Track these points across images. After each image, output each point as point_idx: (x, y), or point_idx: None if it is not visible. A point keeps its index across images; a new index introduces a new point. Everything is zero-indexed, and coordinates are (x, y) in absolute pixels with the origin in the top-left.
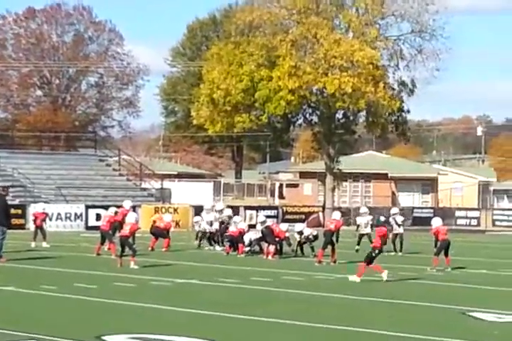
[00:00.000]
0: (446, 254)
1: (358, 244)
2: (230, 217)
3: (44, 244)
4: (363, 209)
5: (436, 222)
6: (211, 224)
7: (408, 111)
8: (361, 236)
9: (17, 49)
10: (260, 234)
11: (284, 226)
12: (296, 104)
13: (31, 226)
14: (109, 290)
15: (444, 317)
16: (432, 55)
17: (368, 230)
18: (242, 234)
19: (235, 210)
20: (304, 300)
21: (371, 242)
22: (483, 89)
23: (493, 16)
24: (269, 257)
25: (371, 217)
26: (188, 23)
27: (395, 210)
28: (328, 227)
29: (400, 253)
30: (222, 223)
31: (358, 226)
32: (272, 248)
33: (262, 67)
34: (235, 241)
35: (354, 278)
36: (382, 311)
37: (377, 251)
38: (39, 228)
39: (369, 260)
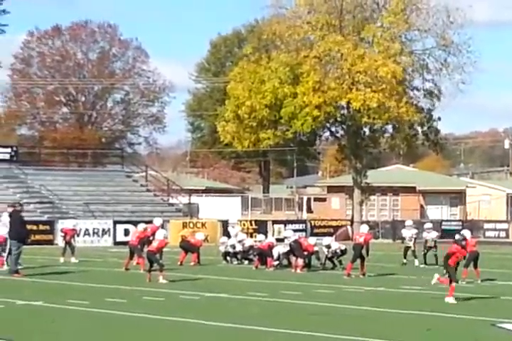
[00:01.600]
0: (475, 266)
1: (405, 257)
2: (251, 247)
3: (73, 260)
4: (409, 222)
5: (466, 235)
6: (234, 247)
7: (439, 119)
8: (406, 249)
9: (42, 66)
10: (288, 248)
11: (312, 240)
12: (322, 119)
13: (59, 241)
14: (139, 305)
15: (473, 329)
16: (457, 68)
17: (412, 243)
18: (271, 247)
19: (263, 225)
20: (334, 312)
21: (415, 257)
22: (509, 101)
23: None
24: (298, 270)
25: (416, 231)
26: (211, 39)
27: (428, 225)
28: (358, 241)
29: (437, 266)
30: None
31: (403, 239)
32: (300, 261)
33: (285, 83)
34: (264, 255)
35: (450, 299)
36: (411, 323)
37: (452, 269)
38: (68, 244)
39: (452, 279)
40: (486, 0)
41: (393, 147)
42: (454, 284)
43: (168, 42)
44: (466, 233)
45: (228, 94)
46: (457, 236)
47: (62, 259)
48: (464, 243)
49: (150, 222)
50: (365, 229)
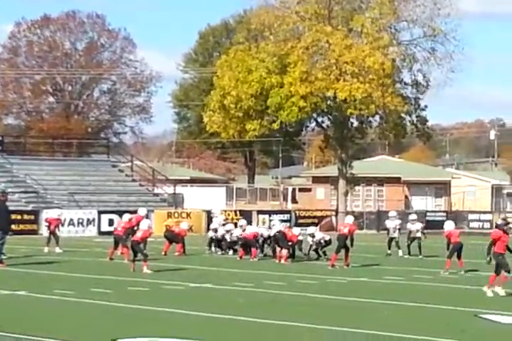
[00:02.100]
0: (459, 257)
1: (389, 248)
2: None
3: (57, 250)
4: (392, 213)
5: (449, 225)
6: (216, 230)
7: (426, 107)
8: (390, 240)
9: (30, 56)
10: (271, 232)
11: (296, 230)
12: (309, 110)
13: (44, 231)
14: (124, 295)
15: (456, 320)
16: (446, 56)
17: (397, 234)
18: (256, 237)
19: (248, 215)
20: (316, 303)
21: (398, 247)
22: (495, 92)
23: (507, 21)
24: (282, 261)
25: (399, 222)
26: (200, 29)
27: (413, 216)
28: (342, 232)
29: (420, 257)
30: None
31: (388, 230)
32: (284, 252)
33: (272, 73)
34: (249, 245)
35: (498, 290)
36: (394, 313)
37: (502, 259)
38: (52, 233)
39: (504, 268)
40: None
41: (381, 137)
42: (507, 274)
43: (156, 33)
44: (449, 224)
45: (214, 84)
46: (499, 222)
47: (46, 249)
48: (506, 227)
49: (135, 212)
50: (350, 219)
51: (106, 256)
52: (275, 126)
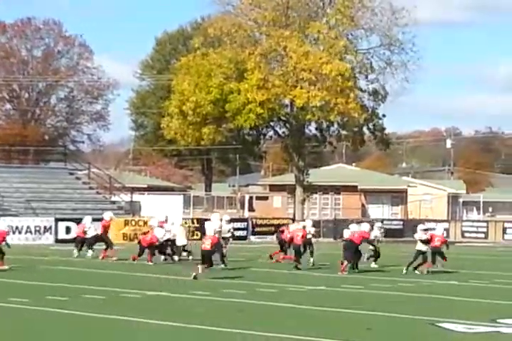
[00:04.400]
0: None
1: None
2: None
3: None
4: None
5: (365, 227)
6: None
7: (384, 116)
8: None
9: None
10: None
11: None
12: (266, 117)
13: None
14: (79, 303)
15: (412, 328)
16: (401, 66)
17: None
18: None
19: (205, 223)
20: (276, 311)
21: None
22: (452, 101)
23: (461, 30)
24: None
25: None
26: (156, 36)
27: (378, 224)
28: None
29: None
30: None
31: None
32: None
33: (230, 79)
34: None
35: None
36: (351, 322)
37: None
38: None
39: None
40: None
41: (337, 146)
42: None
43: (113, 40)
44: (439, 230)
45: (173, 89)
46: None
47: None
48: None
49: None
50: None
51: (63, 264)
52: (233, 129)
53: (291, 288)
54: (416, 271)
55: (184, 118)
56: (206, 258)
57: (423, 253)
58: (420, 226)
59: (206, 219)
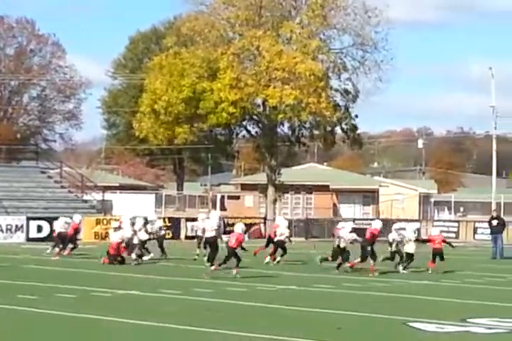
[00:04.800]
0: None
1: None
2: (160, 228)
3: None
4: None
5: (376, 224)
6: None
7: (356, 116)
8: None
9: None
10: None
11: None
12: (238, 116)
13: None
14: (50, 302)
15: (384, 328)
16: (374, 66)
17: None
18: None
19: (176, 222)
20: (246, 310)
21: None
22: (424, 101)
23: (432, 30)
24: (212, 267)
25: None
26: (129, 35)
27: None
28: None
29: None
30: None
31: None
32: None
33: (203, 78)
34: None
35: None
36: (322, 322)
37: None
38: None
39: None
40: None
41: (310, 145)
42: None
43: (85, 39)
44: (377, 223)
45: (145, 88)
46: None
47: None
48: None
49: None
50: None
51: (33, 263)
52: (205, 127)
53: (262, 287)
54: (404, 271)
55: (156, 117)
56: (232, 255)
57: (411, 255)
58: (395, 226)
59: (178, 218)
